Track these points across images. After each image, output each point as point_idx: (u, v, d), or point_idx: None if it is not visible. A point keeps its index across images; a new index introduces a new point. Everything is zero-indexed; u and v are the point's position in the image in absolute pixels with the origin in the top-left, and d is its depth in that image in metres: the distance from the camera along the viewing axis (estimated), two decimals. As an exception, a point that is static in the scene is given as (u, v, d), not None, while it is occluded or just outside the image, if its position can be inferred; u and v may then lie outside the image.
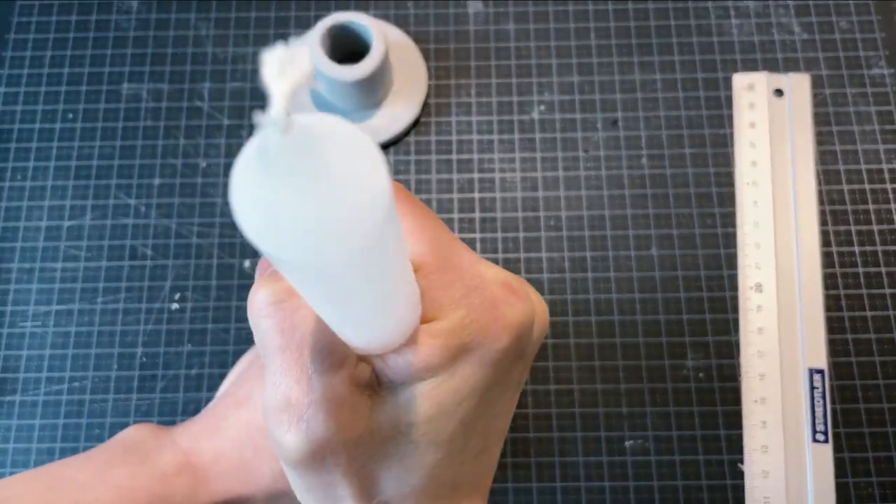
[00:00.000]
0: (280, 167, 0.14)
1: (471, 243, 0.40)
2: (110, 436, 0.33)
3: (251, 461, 0.29)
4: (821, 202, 0.41)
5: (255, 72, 0.44)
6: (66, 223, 0.41)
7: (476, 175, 0.42)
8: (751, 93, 0.43)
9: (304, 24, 0.45)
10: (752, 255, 0.40)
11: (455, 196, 0.41)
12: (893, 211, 0.41)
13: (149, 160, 0.42)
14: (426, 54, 0.44)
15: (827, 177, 0.41)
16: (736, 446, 0.37)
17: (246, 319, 0.39)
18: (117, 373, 0.38)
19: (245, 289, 0.40)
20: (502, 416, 0.22)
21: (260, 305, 0.18)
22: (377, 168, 0.14)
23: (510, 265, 0.40)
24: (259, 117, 0.13)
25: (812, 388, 0.37)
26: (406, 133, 0.43)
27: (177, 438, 0.30)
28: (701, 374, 0.38)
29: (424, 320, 0.19)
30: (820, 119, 0.42)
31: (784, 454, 0.36)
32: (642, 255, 0.40)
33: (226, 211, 0.41)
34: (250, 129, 0.43)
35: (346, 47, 0.41)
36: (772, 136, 0.42)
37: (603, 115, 0.43)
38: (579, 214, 0.41)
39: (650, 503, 0.36)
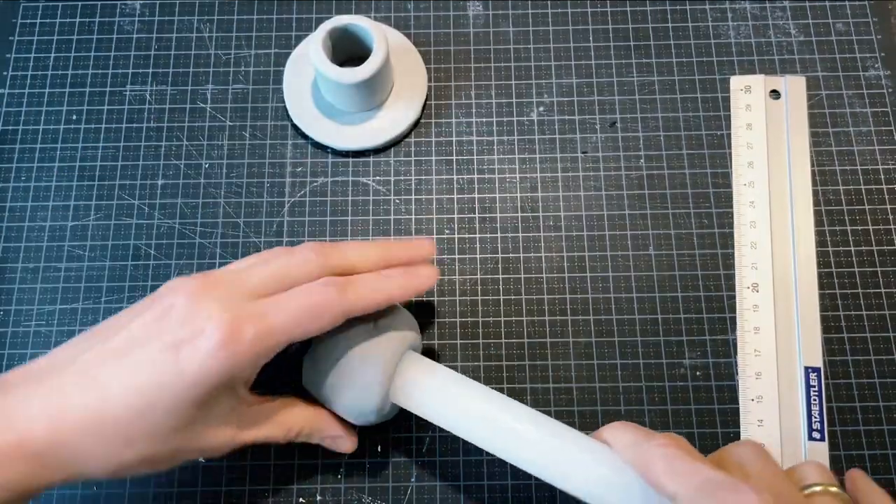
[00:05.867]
0: None
1: (471, 243, 0.41)
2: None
3: (94, 447, 0.27)
4: (817, 203, 0.41)
5: (256, 73, 0.44)
6: (70, 223, 0.41)
7: (476, 176, 0.42)
8: (747, 94, 0.43)
9: (306, 27, 0.45)
10: (749, 255, 0.40)
11: (455, 196, 0.42)
12: (889, 211, 0.41)
13: (152, 161, 0.42)
14: (426, 56, 0.44)
15: (823, 177, 0.42)
16: (733, 444, 0.37)
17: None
18: (121, 371, 0.39)
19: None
20: None
21: None
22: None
23: (509, 265, 0.40)
24: None
25: (808, 386, 0.38)
26: (406, 134, 0.43)
27: (11, 411, 0.27)
28: (698, 373, 0.38)
29: None
30: (816, 120, 0.43)
31: (780, 452, 0.37)
32: (640, 255, 0.40)
33: (228, 211, 0.41)
34: (252, 130, 0.43)
35: (348, 50, 0.42)
36: (768, 137, 0.42)
37: (601, 116, 0.43)
38: (578, 215, 0.41)
39: (648, 500, 0.36)
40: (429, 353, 0.39)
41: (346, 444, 0.35)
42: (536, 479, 0.36)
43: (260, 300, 0.29)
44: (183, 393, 0.27)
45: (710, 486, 0.25)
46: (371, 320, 0.32)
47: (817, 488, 0.27)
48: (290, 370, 0.34)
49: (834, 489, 0.27)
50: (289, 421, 0.32)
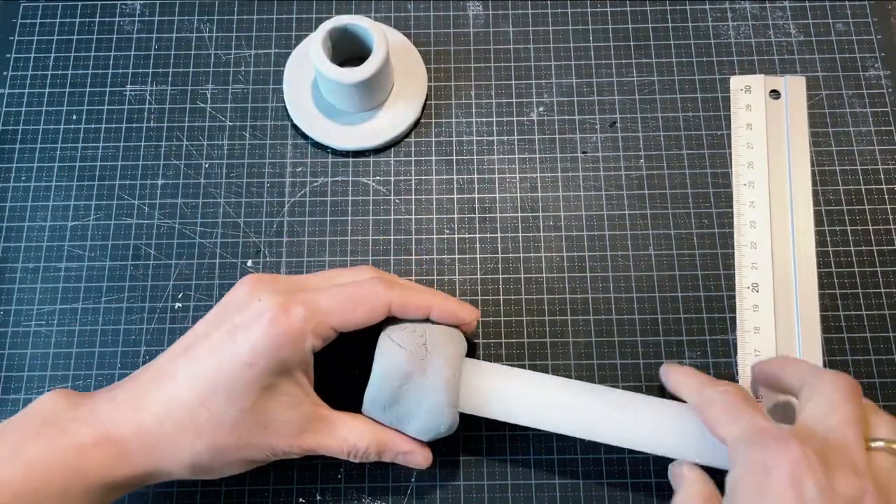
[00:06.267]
0: None
1: (471, 243, 0.41)
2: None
3: (171, 436, 0.29)
4: (817, 203, 0.41)
5: (256, 73, 0.44)
6: (70, 223, 0.41)
7: (476, 176, 0.42)
8: (747, 95, 0.43)
9: (306, 27, 0.45)
10: (749, 255, 0.40)
11: (455, 196, 0.42)
12: (889, 211, 0.41)
13: (152, 161, 0.42)
14: (426, 56, 0.44)
15: (823, 177, 0.42)
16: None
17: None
18: (121, 371, 0.39)
19: (247, 288, 0.40)
20: None
21: None
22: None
23: (509, 265, 0.40)
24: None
25: (808, 386, 0.38)
26: (406, 134, 0.43)
27: (97, 409, 0.30)
28: (698, 373, 0.38)
29: None
30: (816, 120, 0.43)
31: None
32: (640, 255, 0.40)
33: (228, 211, 0.41)
34: (252, 130, 0.43)
35: (348, 50, 0.42)
36: (768, 137, 0.42)
37: (601, 116, 0.43)
38: (578, 215, 0.41)
39: (648, 502, 0.36)
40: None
41: (419, 457, 0.34)
42: (536, 478, 0.36)
43: (312, 290, 0.32)
44: (241, 374, 0.29)
45: (756, 433, 0.27)
46: (421, 345, 0.32)
47: (881, 443, 0.27)
48: (350, 399, 0.34)
49: None
50: (352, 437, 0.32)
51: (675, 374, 0.33)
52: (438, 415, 0.31)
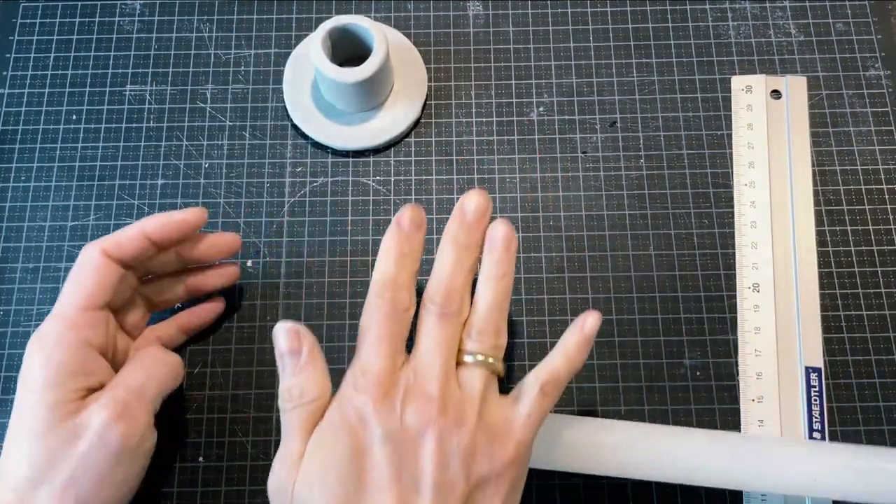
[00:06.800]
0: None
1: (471, 243, 0.41)
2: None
3: None
4: (817, 203, 0.41)
5: (256, 73, 0.44)
6: (70, 223, 0.41)
7: (476, 176, 0.42)
8: (748, 94, 0.43)
9: (306, 27, 0.45)
10: (750, 255, 0.40)
11: (455, 197, 0.42)
12: (889, 211, 0.41)
13: (152, 161, 0.42)
14: (426, 56, 0.44)
15: (823, 177, 0.42)
16: (733, 444, 0.37)
17: (247, 318, 0.39)
18: (120, 371, 0.39)
19: (246, 287, 0.40)
20: None
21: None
22: None
23: (510, 265, 0.40)
24: None
25: (809, 386, 0.38)
26: (406, 134, 0.43)
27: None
28: (699, 373, 0.38)
29: None
30: (816, 120, 0.43)
31: (781, 452, 0.37)
32: (640, 255, 0.40)
33: (227, 211, 0.41)
34: (252, 130, 0.43)
35: (348, 50, 0.42)
36: (769, 137, 0.42)
37: (601, 116, 0.43)
38: (578, 215, 0.41)
39: (648, 501, 0.36)
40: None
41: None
42: (536, 478, 0.36)
43: None
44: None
45: (356, 377, 0.28)
46: None
47: (471, 358, 0.28)
48: None
49: (482, 358, 0.28)
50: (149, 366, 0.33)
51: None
52: None
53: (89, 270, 0.32)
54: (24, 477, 0.29)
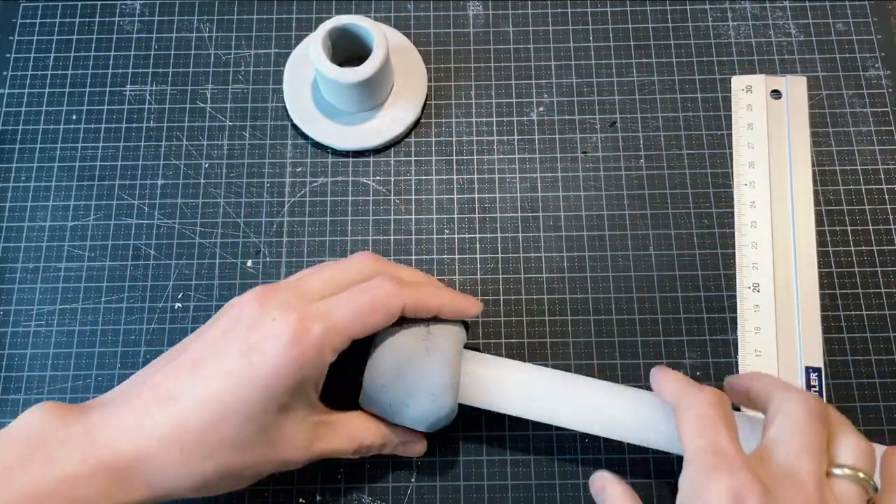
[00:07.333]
0: None
1: (471, 243, 0.41)
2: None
3: (177, 460, 0.28)
4: (817, 203, 0.41)
5: (256, 73, 0.44)
6: (70, 223, 0.41)
7: (476, 176, 0.42)
8: (748, 94, 0.43)
9: (306, 27, 0.45)
10: (750, 255, 0.40)
11: (455, 196, 0.42)
12: (889, 211, 0.41)
13: (152, 161, 0.42)
14: (426, 56, 0.44)
15: (823, 177, 0.42)
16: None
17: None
18: (120, 371, 0.39)
19: (246, 287, 0.40)
20: None
21: None
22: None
23: (509, 265, 0.40)
24: None
25: (809, 386, 0.38)
26: (406, 134, 0.43)
27: (90, 429, 0.28)
28: (699, 373, 0.38)
29: None
30: (816, 120, 0.43)
31: (781, 452, 0.37)
32: (640, 255, 0.40)
33: (228, 211, 0.41)
34: (252, 130, 0.43)
35: (348, 50, 0.42)
36: (769, 137, 0.42)
37: (601, 116, 0.43)
38: (578, 215, 0.41)
39: (648, 500, 0.36)
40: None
41: (417, 447, 0.35)
42: (536, 478, 0.36)
43: (322, 300, 0.30)
44: (258, 396, 0.28)
45: (710, 454, 0.26)
46: (423, 326, 0.32)
47: (842, 471, 0.27)
48: (344, 397, 0.33)
49: (862, 476, 0.27)
50: (358, 435, 0.32)
51: (660, 375, 0.32)
52: (440, 396, 0.31)
53: (382, 314, 0.30)
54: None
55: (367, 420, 0.33)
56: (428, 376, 0.31)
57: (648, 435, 0.32)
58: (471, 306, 0.33)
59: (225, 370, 0.28)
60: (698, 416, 0.28)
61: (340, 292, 0.31)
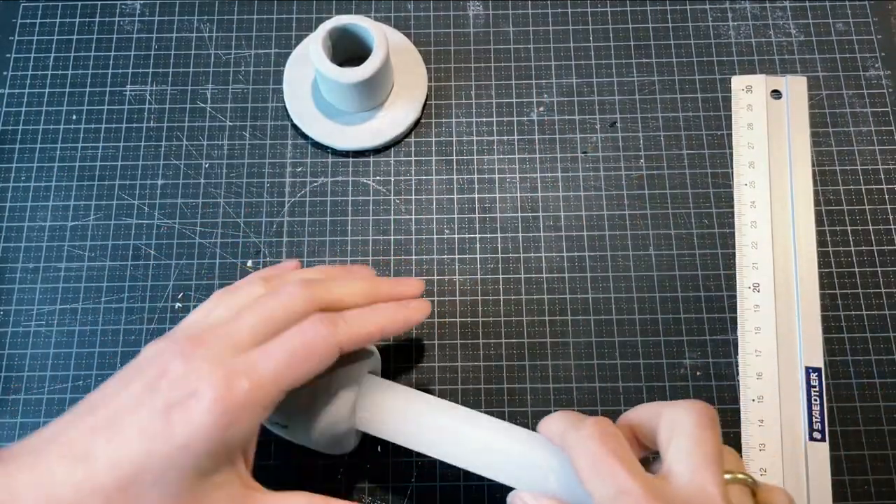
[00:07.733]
0: None
1: (471, 243, 0.41)
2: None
3: None
4: (817, 202, 0.41)
5: (256, 73, 0.44)
6: (70, 223, 0.41)
7: (476, 176, 0.42)
8: (748, 94, 0.43)
9: (306, 27, 0.45)
10: (750, 255, 0.40)
11: (455, 196, 0.42)
12: (889, 211, 0.41)
13: (152, 161, 0.42)
14: (426, 56, 0.44)
15: (823, 177, 0.42)
16: (734, 444, 0.37)
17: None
18: (120, 371, 0.39)
19: (247, 288, 0.40)
20: None
21: None
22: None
23: (509, 265, 0.40)
24: None
25: (809, 386, 0.38)
26: (406, 134, 0.43)
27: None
28: (699, 373, 0.38)
29: None
30: (816, 120, 0.43)
31: (781, 452, 0.37)
32: (640, 255, 0.40)
33: (227, 211, 0.41)
34: (252, 130, 0.43)
35: (348, 50, 0.42)
36: (769, 137, 0.42)
37: (601, 116, 0.43)
38: (578, 215, 0.41)
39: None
40: (429, 353, 0.39)
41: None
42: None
43: (250, 351, 0.28)
44: (174, 458, 0.26)
45: (618, 496, 0.25)
46: (326, 377, 0.31)
47: (731, 476, 0.27)
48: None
49: (741, 476, 0.27)
50: None
51: (545, 419, 0.30)
52: (335, 423, 0.30)
53: (316, 362, 0.28)
54: None
55: (301, 498, 0.29)
56: (326, 404, 0.30)
57: (549, 480, 0.29)
58: (413, 316, 0.32)
59: (140, 429, 0.26)
60: (591, 456, 0.27)
61: (271, 336, 0.28)
